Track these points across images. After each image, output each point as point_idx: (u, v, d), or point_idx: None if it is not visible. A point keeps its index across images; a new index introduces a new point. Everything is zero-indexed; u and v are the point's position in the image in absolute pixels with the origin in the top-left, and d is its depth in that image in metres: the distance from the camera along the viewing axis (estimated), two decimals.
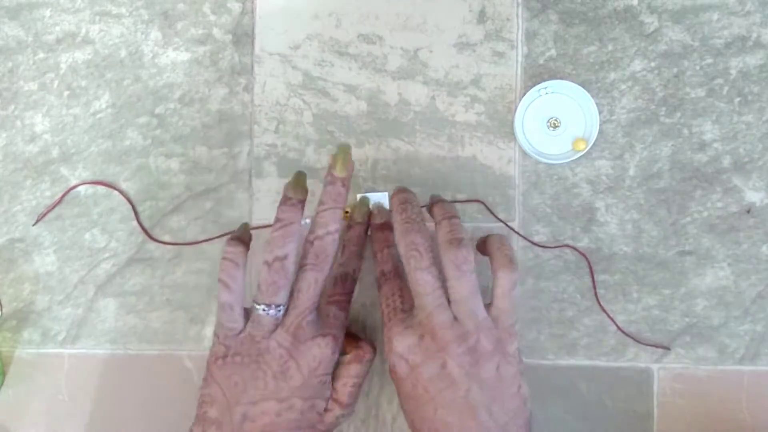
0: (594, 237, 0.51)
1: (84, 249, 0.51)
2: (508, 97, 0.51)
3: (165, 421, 0.51)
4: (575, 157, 0.49)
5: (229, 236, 0.42)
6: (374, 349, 0.46)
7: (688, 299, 0.50)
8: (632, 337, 0.50)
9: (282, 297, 0.41)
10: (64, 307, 0.51)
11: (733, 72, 0.51)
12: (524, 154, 0.51)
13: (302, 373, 0.41)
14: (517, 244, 0.51)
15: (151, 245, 0.51)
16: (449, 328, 0.40)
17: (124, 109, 0.52)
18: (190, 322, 0.51)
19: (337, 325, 0.43)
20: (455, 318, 0.40)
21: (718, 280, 0.50)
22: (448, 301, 0.41)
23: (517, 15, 0.51)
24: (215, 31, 0.52)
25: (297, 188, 0.42)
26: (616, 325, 0.50)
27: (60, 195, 0.51)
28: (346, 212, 0.49)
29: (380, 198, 0.48)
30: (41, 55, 0.52)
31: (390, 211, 0.45)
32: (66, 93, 0.52)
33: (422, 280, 0.40)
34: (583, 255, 0.50)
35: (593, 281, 0.50)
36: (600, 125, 0.49)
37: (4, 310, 0.51)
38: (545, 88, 0.49)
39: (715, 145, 0.51)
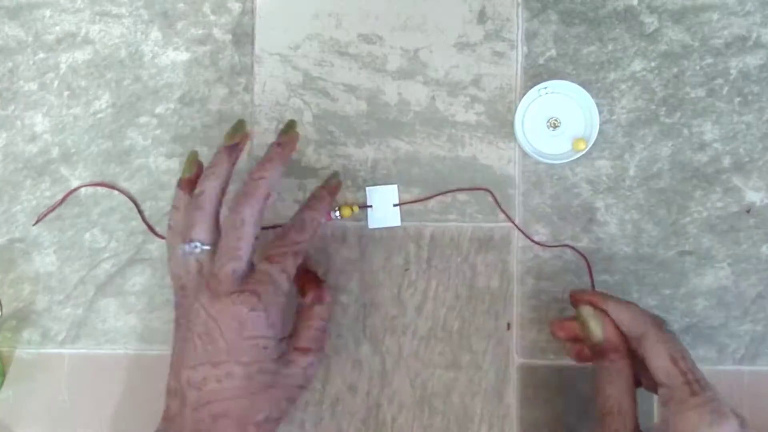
0: (594, 237, 0.51)
1: (84, 249, 0.51)
2: (508, 97, 0.51)
3: None
4: (575, 157, 0.49)
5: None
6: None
7: (688, 299, 0.50)
8: None
9: (197, 233, 0.40)
10: (64, 307, 0.51)
11: (733, 72, 0.51)
12: (524, 154, 0.51)
13: (225, 337, 0.38)
14: (516, 243, 0.51)
15: (152, 245, 0.51)
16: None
17: (124, 109, 0.52)
18: None
19: (262, 280, 0.39)
20: None
21: (718, 280, 0.50)
22: None
23: (517, 15, 0.51)
24: (215, 31, 0.52)
25: (230, 135, 0.43)
26: None
27: (62, 196, 0.51)
28: (344, 208, 0.49)
29: (387, 191, 0.47)
30: (41, 55, 0.52)
31: None
32: (66, 93, 0.52)
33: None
34: (582, 255, 0.50)
35: (592, 281, 0.50)
36: (600, 125, 0.49)
37: (4, 310, 0.51)
38: (545, 88, 0.49)
39: (715, 145, 0.51)
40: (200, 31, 0.52)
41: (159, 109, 0.52)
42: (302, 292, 0.45)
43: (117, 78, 0.52)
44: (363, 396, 0.51)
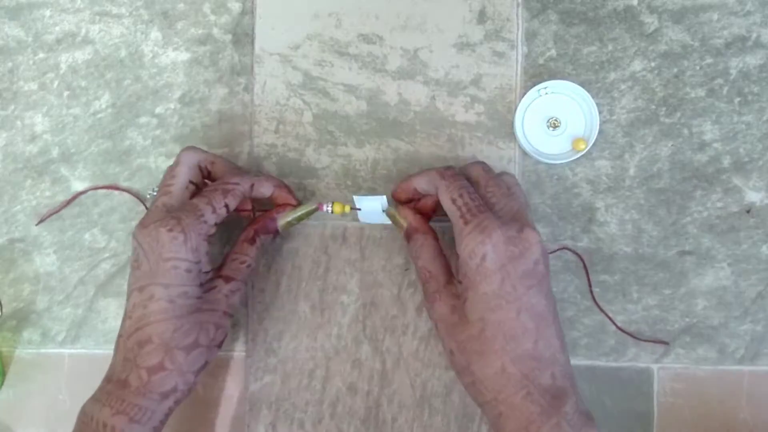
0: (594, 237, 0.51)
1: (84, 249, 0.51)
2: (508, 97, 0.51)
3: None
4: (575, 157, 0.49)
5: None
6: (284, 208, 0.47)
7: (688, 299, 0.50)
8: (632, 335, 0.50)
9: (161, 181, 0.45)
10: (64, 307, 0.51)
11: (733, 72, 0.51)
12: (524, 154, 0.51)
13: (148, 259, 0.41)
14: None
15: None
16: (536, 229, 0.41)
17: (124, 109, 0.52)
18: None
19: (185, 209, 0.42)
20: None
21: (718, 280, 0.50)
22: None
23: (517, 15, 0.51)
24: (215, 31, 0.52)
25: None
26: (615, 325, 0.50)
27: (68, 198, 0.51)
28: (336, 204, 0.49)
29: (376, 201, 0.47)
30: (41, 55, 0.52)
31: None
32: (66, 93, 0.52)
33: (496, 184, 0.43)
34: (579, 256, 0.50)
35: (588, 282, 0.50)
36: (600, 125, 0.49)
37: (4, 310, 0.51)
38: (545, 88, 0.49)
39: (715, 145, 0.51)
40: (200, 31, 0.52)
41: (159, 109, 0.52)
42: (247, 234, 0.47)
43: (117, 78, 0.52)
44: (363, 396, 0.51)
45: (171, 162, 0.51)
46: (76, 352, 0.51)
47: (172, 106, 0.52)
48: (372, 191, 0.51)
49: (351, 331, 0.51)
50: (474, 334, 0.40)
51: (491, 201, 0.42)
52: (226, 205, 0.43)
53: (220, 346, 0.43)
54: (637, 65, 0.51)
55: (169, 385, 0.41)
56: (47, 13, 0.52)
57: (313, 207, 0.47)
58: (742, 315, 0.50)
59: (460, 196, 0.42)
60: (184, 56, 0.52)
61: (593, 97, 0.49)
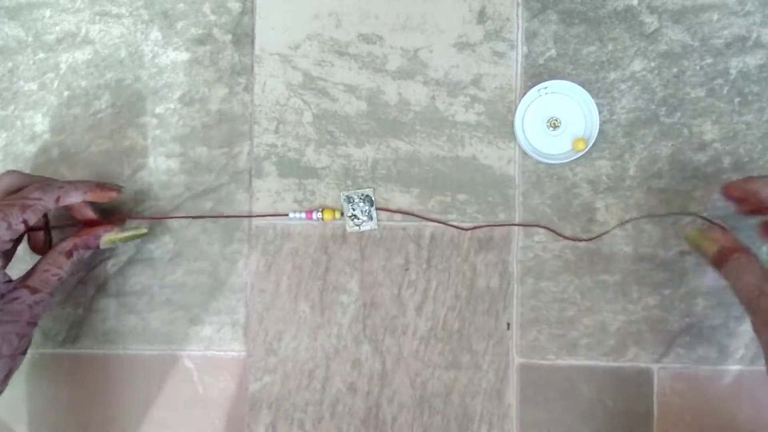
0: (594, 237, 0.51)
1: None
2: (508, 97, 0.51)
3: (164, 421, 0.51)
4: (575, 157, 0.49)
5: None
6: (111, 226, 0.47)
7: (688, 299, 0.50)
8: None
9: None
10: (63, 307, 0.51)
11: (733, 72, 0.51)
12: (524, 154, 0.51)
13: None
14: (516, 243, 0.51)
15: (152, 245, 0.51)
16: None
17: (124, 109, 0.52)
18: (190, 322, 0.51)
19: None
20: None
21: (718, 280, 0.50)
22: None
23: (517, 15, 0.51)
24: (215, 31, 0.52)
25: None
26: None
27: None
28: (327, 211, 0.49)
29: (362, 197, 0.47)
30: (41, 55, 0.52)
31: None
32: (66, 93, 0.52)
33: None
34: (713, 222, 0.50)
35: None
36: (600, 125, 0.49)
37: None
38: (545, 88, 0.49)
39: (715, 145, 0.51)
40: (200, 31, 0.52)
41: (159, 109, 0.52)
42: (65, 247, 0.46)
43: (117, 78, 0.52)
44: (363, 396, 0.51)
45: (170, 162, 0.52)
46: (76, 352, 0.51)
47: (172, 106, 0.52)
48: (372, 191, 0.50)
49: (351, 331, 0.51)
50: None
51: None
52: (25, 221, 0.42)
53: (24, 353, 0.43)
54: (637, 65, 0.51)
55: None
56: (47, 13, 0.52)
57: (143, 231, 0.48)
58: (742, 315, 0.50)
59: None
60: (184, 56, 0.52)
61: (593, 97, 0.49)
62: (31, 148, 0.52)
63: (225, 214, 0.51)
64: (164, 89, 0.52)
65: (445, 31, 0.51)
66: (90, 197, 0.46)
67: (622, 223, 0.50)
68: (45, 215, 0.48)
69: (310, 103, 0.52)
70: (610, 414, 0.50)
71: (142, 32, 0.52)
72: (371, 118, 0.52)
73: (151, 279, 0.51)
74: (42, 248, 0.48)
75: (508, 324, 0.51)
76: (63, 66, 0.52)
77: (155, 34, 0.52)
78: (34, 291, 0.43)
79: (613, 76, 0.51)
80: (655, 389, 0.50)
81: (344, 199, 0.49)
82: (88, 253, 0.47)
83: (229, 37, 0.52)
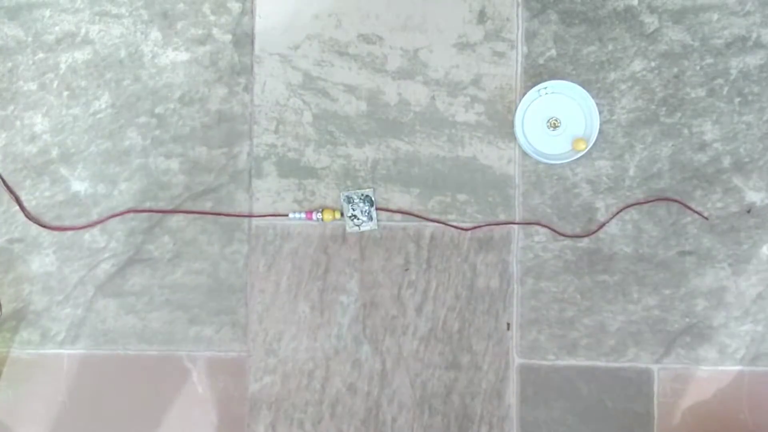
0: (594, 237, 0.51)
1: (84, 249, 0.51)
2: (508, 97, 0.51)
3: (165, 421, 0.51)
4: (575, 157, 0.49)
5: None
6: None
7: (688, 299, 0.50)
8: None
9: None
10: (63, 308, 0.51)
11: (733, 72, 0.51)
12: (524, 154, 0.51)
13: None
14: (516, 243, 0.51)
15: (152, 245, 0.51)
16: None
17: (124, 109, 0.52)
18: (189, 322, 0.51)
19: None
20: None
21: (718, 280, 0.50)
22: None
23: (517, 15, 0.51)
24: (215, 31, 0.52)
25: None
26: None
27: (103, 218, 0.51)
28: (326, 211, 0.50)
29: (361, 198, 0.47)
30: (41, 55, 0.52)
31: None
32: (66, 93, 0.52)
33: None
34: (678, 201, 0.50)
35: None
36: (600, 125, 0.49)
37: (3, 310, 0.51)
38: (545, 88, 0.49)
39: (715, 145, 0.51)
40: (200, 32, 0.52)
41: (159, 109, 0.52)
42: None
43: (117, 78, 0.52)
44: (363, 396, 0.51)
45: (170, 162, 0.52)
46: (75, 353, 0.51)
47: (172, 106, 0.52)
48: (372, 191, 0.50)
49: (351, 331, 0.51)
50: None
51: None
52: None
53: None
54: (637, 65, 0.51)
55: None
56: (47, 13, 0.52)
57: None
58: (742, 315, 0.50)
59: None
60: (184, 56, 0.52)
61: (593, 97, 0.49)
62: (31, 148, 0.52)
63: (225, 213, 0.51)
64: (164, 89, 0.52)
65: (445, 31, 0.51)
66: None
67: (617, 213, 0.50)
68: None
69: (310, 103, 0.52)
70: (610, 414, 0.50)
71: (142, 32, 0.52)
72: (371, 118, 0.52)
73: (151, 279, 0.51)
74: None
75: (508, 324, 0.51)
76: (63, 66, 0.52)
77: (155, 34, 0.52)
78: None
79: (613, 76, 0.51)
80: (655, 389, 0.50)
81: (344, 200, 0.49)
82: None
83: (229, 37, 0.52)
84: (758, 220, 0.50)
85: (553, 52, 0.51)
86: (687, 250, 0.50)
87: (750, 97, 0.50)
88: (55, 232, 0.51)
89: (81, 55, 0.52)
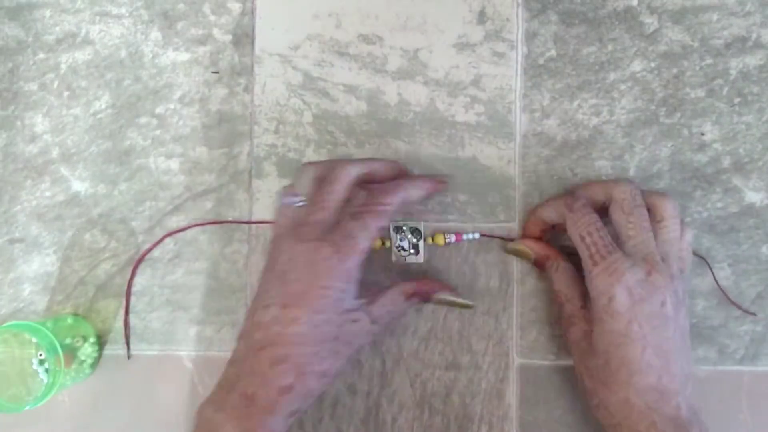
0: None
1: (84, 249, 0.51)
2: (508, 97, 0.51)
3: (164, 422, 0.51)
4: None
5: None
6: (447, 288, 0.47)
7: (688, 299, 0.50)
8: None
9: (302, 189, 0.44)
10: (64, 308, 0.51)
11: (733, 72, 0.51)
12: (524, 154, 0.51)
13: (300, 281, 0.40)
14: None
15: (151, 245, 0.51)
16: (664, 269, 0.42)
17: (124, 109, 0.52)
18: (190, 322, 0.51)
19: (342, 234, 0.41)
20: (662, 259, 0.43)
21: (718, 281, 0.50)
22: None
23: (517, 15, 0.51)
24: (215, 32, 0.52)
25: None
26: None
27: (159, 239, 0.51)
28: None
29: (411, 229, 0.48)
30: (41, 55, 0.52)
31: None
32: (66, 93, 0.52)
33: (638, 215, 0.43)
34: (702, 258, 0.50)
35: (715, 280, 0.50)
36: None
37: (3, 310, 0.51)
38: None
39: (715, 145, 0.51)
40: (200, 32, 0.52)
41: (159, 109, 0.52)
42: (407, 289, 0.46)
43: (117, 78, 0.52)
44: (363, 396, 0.51)
45: (170, 162, 0.52)
46: None
47: (172, 106, 0.52)
48: (422, 225, 0.51)
49: None
50: (600, 364, 0.42)
51: (628, 234, 0.43)
52: (379, 229, 0.42)
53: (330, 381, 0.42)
54: (637, 65, 0.51)
55: (294, 406, 0.40)
56: (47, 13, 0.52)
57: (469, 304, 0.48)
58: (742, 315, 0.50)
59: (589, 234, 0.43)
60: (184, 56, 0.52)
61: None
62: (31, 149, 0.52)
63: (240, 220, 0.51)
64: (164, 89, 0.52)
65: (445, 31, 0.51)
66: (428, 194, 0.47)
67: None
68: None
69: (310, 103, 0.52)
70: None
71: (142, 32, 0.52)
72: (371, 118, 0.52)
73: (151, 279, 0.51)
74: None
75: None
76: (63, 66, 0.52)
77: (155, 34, 0.52)
78: (374, 320, 0.43)
79: (613, 76, 0.51)
80: None
81: (393, 229, 0.49)
82: (414, 304, 0.47)
83: (229, 37, 0.52)
84: (758, 220, 0.50)
85: (553, 52, 0.51)
86: None
87: (750, 98, 0.50)
88: (55, 232, 0.51)
89: (81, 56, 0.52)
